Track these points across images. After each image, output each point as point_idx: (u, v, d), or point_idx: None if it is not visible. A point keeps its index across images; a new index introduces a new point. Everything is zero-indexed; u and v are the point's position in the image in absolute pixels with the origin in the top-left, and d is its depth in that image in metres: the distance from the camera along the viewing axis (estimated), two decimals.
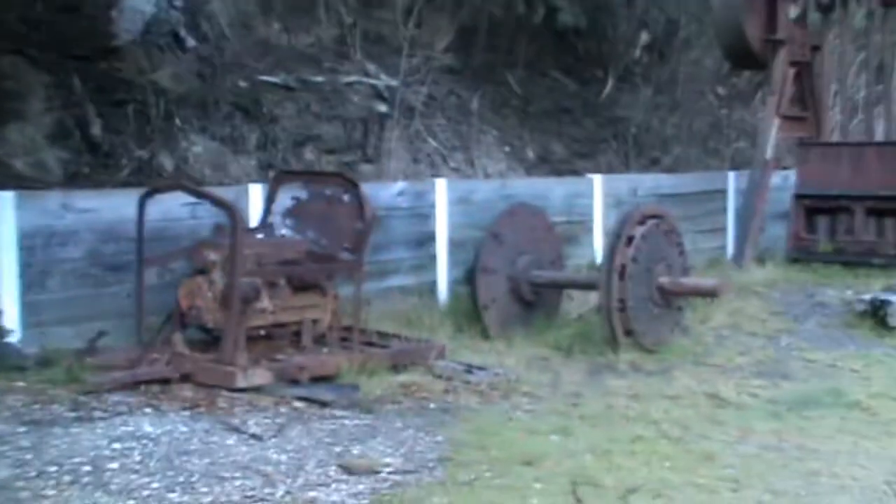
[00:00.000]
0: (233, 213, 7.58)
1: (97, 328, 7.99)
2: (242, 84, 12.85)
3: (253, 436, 6.62)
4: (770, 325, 11.25)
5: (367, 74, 13.95)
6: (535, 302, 10.66)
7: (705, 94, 19.32)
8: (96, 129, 11.17)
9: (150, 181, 10.89)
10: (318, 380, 8.14)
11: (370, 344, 8.97)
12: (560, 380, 8.94)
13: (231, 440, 6.52)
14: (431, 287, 11.28)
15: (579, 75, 17.70)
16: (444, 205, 11.41)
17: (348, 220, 8.53)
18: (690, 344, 10.34)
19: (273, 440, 6.60)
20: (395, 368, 8.70)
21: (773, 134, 13.34)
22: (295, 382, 7.87)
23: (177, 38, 12.78)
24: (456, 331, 10.46)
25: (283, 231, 8.78)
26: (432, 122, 14.58)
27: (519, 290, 10.51)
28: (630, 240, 9.70)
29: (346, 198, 8.58)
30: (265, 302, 8.10)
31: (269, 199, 8.86)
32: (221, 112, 12.17)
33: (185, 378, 7.72)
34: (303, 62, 13.67)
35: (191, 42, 12.89)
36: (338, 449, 6.59)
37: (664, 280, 9.84)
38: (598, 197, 13.26)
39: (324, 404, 7.53)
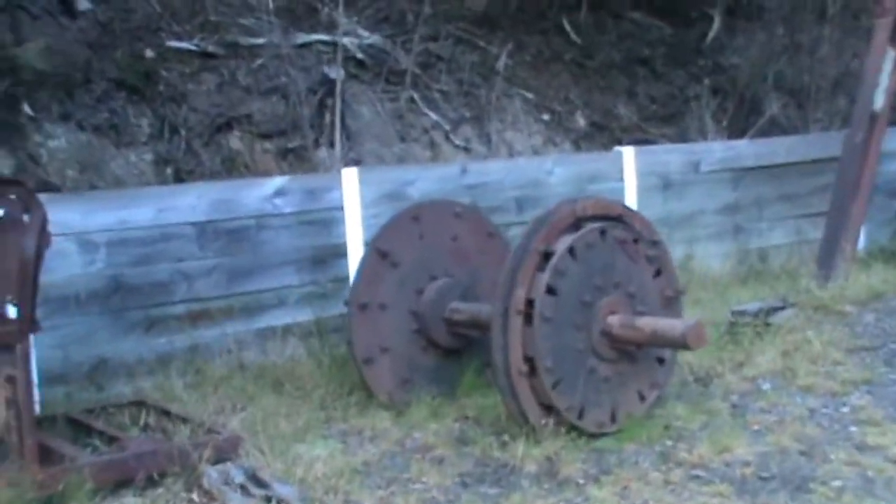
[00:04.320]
0: None
1: None
2: (150, 54, 9.76)
3: None
4: (841, 372, 7.20)
5: (336, 30, 10.55)
6: (461, 349, 7.08)
7: (862, 29, 14.75)
8: None
9: None
10: None
11: (112, 439, 5.73)
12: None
13: None
14: (340, 323, 7.84)
15: (677, 15, 13.63)
16: (358, 206, 7.94)
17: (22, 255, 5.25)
18: (687, 412, 6.50)
19: None
20: (130, 483, 5.42)
21: (886, 73, 9.01)
22: None
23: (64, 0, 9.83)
24: (339, 392, 7.06)
25: None
26: (434, 88, 11.05)
27: (428, 332, 6.97)
28: (546, 257, 5.97)
29: (26, 219, 5.30)
30: None
31: None
32: (94, 93, 9.12)
33: None
34: (246, 21, 10.45)
35: (85, 4, 9.89)
36: None
37: (614, 321, 6.04)
38: (631, 178, 9.39)
39: None
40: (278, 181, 7.79)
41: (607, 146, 11.28)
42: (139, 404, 6.48)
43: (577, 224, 6.13)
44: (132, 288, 7.13)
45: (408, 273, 6.99)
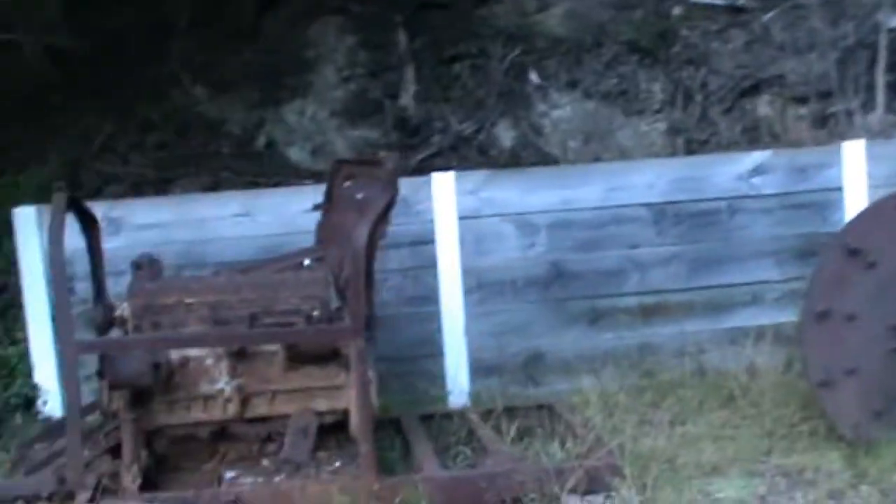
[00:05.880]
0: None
1: None
2: (676, 12, 8.92)
3: None
4: None
5: None
6: None
7: None
8: (407, 99, 8.45)
9: (463, 163, 7.98)
10: None
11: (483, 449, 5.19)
12: None
13: None
14: None
15: None
16: (864, 187, 6.51)
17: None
18: None
19: None
20: None
21: None
22: None
23: None
24: (799, 416, 5.85)
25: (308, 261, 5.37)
26: None
27: None
28: None
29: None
30: (220, 382, 4.93)
31: (320, 207, 5.51)
32: (604, 58, 8.51)
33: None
34: None
35: None
36: None
37: None
38: None
39: None
40: (757, 156, 6.59)
41: None
42: (547, 408, 5.78)
43: None
44: (575, 275, 6.46)
45: (890, 277, 5.47)
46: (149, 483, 4.86)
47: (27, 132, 8.16)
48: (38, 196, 6.55)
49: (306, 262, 5.27)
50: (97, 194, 7.60)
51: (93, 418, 5.41)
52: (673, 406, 6.04)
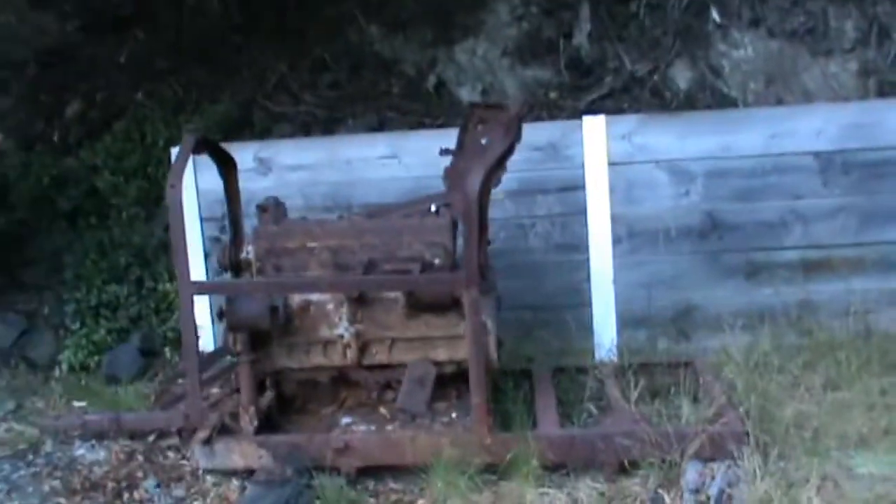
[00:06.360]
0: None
1: None
2: None
3: None
4: None
5: None
6: None
7: None
8: (580, 38, 8.19)
9: (635, 105, 7.73)
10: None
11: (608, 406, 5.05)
12: None
13: None
14: None
15: None
16: None
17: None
18: None
19: None
20: (595, 464, 4.70)
21: None
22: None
23: None
24: None
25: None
26: None
27: None
28: None
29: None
30: (339, 327, 4.95)
31: (448, 152, 5.39)
32: None
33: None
34: None
35: None
36: None
37: None
38: None
39: None
40: None
41: None
42: (685, 366, 5.52)
43: None
44: (733, 226, 6.13)
45: None
46: (270, 423, 4.93)
47: (208, 72, 8.38)
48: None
49: (433, 207, 5.15)
50: (267, 133, 7.73)
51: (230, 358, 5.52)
52: (829, 369, 5.66)
